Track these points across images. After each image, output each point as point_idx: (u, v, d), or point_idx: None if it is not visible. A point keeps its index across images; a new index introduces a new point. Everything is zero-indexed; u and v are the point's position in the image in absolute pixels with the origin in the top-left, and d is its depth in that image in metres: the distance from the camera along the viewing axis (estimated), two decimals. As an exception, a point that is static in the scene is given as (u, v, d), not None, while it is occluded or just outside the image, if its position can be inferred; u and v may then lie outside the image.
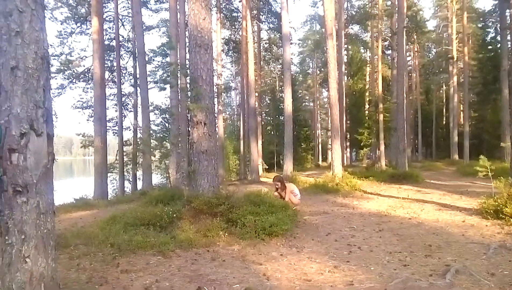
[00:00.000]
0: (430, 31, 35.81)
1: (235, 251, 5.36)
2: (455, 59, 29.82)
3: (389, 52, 27.06)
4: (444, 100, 40.64)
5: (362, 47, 35.74)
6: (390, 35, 24.70)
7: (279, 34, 25.25)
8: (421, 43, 38.10)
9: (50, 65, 2.88)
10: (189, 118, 7.93)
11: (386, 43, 27.89)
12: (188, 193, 7.16)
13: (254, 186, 13.46)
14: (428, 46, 43.52)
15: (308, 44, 45.03)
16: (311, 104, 50.22)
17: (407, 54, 35.21)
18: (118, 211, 7.50)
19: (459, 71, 32.51)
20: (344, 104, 28.14)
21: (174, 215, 6.33)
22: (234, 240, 5.78)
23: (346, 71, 31.97)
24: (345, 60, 32.13)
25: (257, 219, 6.09)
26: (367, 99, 32.05)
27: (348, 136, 31.50)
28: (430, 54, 44.25)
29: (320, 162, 39.15)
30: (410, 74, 38.69)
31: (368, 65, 35.90)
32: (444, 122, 39.22)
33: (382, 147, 22.26)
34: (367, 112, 29.61)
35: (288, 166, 16.65)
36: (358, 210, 8.82)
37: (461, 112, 34.48)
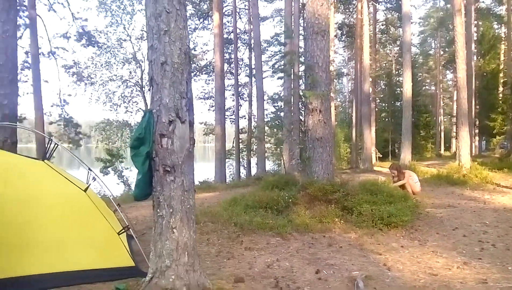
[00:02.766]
0: None
1: (351, 238, 5.35)
2: None
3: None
4: None
5: (495, 23, 31.13)
6: (534, 4, 21.04)
7: (397, 14, 23.54)
8: None
9: (191, 60, 3.24)
10: (302, 106, 8.05)
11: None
12: (302, 180, 7.33)
13: (367, 175, 13.01)
14: None
15: (431, 22, 40.92)
16: (433, 88, 45.82)
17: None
18: (237, 194, 8.03)
19: None
20: (473, 87, 25.06)
21: (290, 200, 6.57)
22: (349, 227, 5.76)
23: (475, 50, 28.33)
24: (475, 38, 28.48)
25: (374, 208, 5.96)
26: (501, 80, 27.98)
27: (477, 122, 28.04)
28: None
29: (442, 151, 35.73)
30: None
31: (503, 42, 31.17)
32: None
33: (520, 135, 19.33)
34: (501, 95, 25.90)
35: (406, 154, 15.61)
36: (491, 205, 7.88)
37: None
